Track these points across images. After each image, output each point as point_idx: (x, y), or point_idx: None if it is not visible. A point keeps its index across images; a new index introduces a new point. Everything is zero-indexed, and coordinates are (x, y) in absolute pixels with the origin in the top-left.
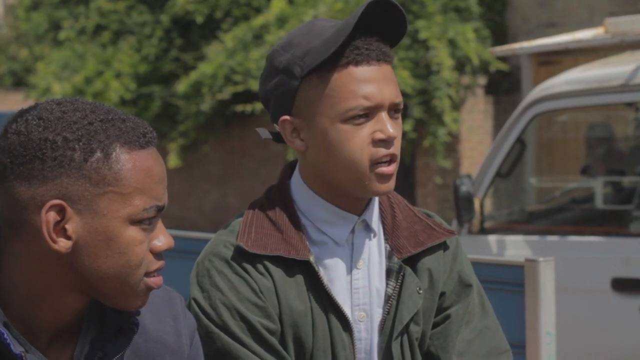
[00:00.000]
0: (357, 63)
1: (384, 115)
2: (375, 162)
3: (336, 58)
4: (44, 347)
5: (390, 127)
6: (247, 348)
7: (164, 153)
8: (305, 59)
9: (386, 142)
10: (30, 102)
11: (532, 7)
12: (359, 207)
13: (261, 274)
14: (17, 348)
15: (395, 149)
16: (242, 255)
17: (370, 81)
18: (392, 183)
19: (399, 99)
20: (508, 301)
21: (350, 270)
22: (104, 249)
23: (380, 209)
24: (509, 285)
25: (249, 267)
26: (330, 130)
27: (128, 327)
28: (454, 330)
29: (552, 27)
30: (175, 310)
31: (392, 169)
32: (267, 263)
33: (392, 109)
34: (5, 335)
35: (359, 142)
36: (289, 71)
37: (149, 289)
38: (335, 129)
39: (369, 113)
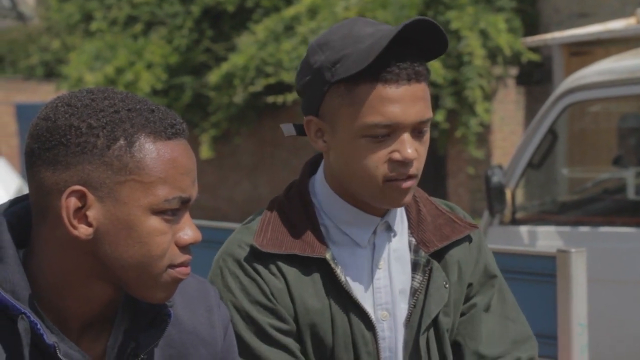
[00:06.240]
0: (385, 81)
1: (405, 136)
2: (389, 180)
3: (366, 73)
4: (75, 337)
5: (409, 148)
6: (255, 350)
7: (196, 144)
8: (336, 66)
9: (404, 164)
10: (61, 93)
11: None
12: (380, 209)
13: (273, 274)
14: (50, 338)
15: (415, 169)
16: (255, 256)
17: (396, 102)
18: (407, 197)
19: (426, 117)
20: (540, 292)
21: (371, 270)
22: (125, 238)
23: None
24: (541, 276)
25: (261, 268)
26: (350, 142)
27: (161, 317)
28: (481, 318)
29: (584, 18)
30: (209, 301)
31: (408, 184)
32: (280, 263)
33: (418, 129)
34: (39, 325)
35: (375, 159)
36: (321, 74)
37: (175, 280)
38: (354, 141)
39: (390, 132)
